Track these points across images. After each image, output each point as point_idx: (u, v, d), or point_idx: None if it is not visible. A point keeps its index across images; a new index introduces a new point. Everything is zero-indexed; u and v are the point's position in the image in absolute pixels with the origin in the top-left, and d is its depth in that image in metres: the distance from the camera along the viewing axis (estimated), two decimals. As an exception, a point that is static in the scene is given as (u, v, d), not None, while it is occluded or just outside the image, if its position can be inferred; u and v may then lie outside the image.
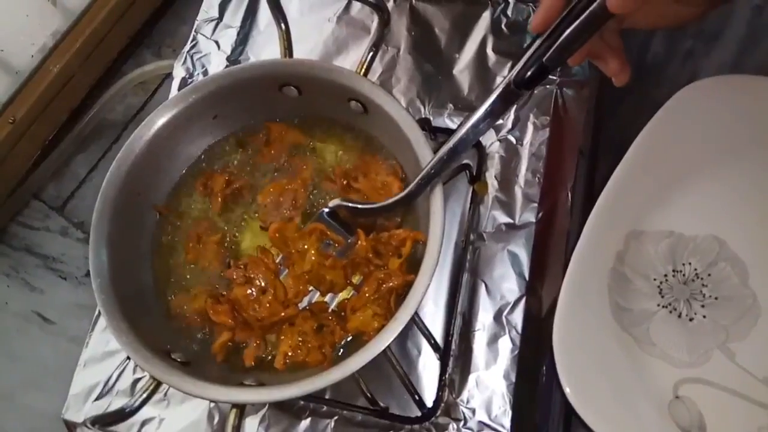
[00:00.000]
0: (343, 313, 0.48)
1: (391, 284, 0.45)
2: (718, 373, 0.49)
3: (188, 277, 0.51)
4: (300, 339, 0.45)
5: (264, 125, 0.54)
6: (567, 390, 0.46)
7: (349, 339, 0.47)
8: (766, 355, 0.49)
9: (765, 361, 0.48)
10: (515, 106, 0.43)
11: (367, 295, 0.46)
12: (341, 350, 0.47)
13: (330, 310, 0.48)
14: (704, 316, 0.51)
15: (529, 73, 0.40)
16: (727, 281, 0.52)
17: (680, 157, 0.53)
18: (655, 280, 0.52)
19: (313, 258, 0.47)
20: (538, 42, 0.40)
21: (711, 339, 0.50)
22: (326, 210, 0.48)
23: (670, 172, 0.53)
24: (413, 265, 0.47)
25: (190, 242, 0.52)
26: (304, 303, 0.49)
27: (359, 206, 0.48)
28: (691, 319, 0.51)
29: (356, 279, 0.48)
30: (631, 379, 0.49)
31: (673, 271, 0.52)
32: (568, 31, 0.38)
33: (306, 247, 0.47)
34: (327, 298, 0.49)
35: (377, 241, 0.47)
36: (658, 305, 0.51)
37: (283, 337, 0.46)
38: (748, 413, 0.47)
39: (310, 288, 0.48)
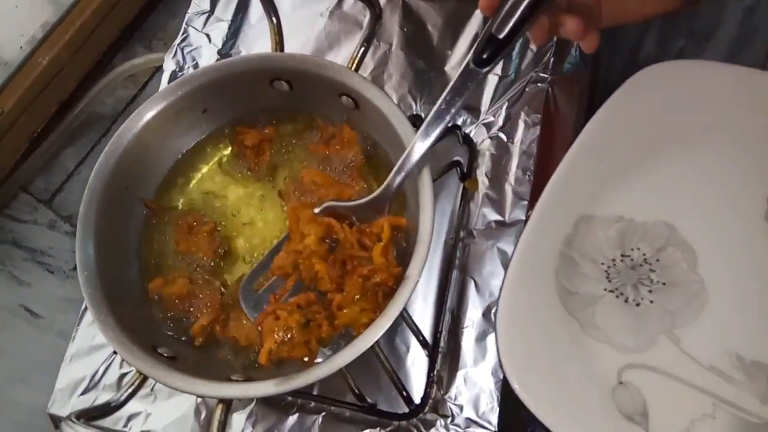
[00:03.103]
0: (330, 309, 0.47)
1: (377, 279, 0.45)
2: (663, 359, 0.48)
3: (176, 269, 0.51)
4: (285, 334, 0.45)
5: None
6: (507, 371, 0.45)
7: (337, 334, 0.47)
8: (712, 342, 0.48)
9: (711, 348, 0.48)
10: (477, 86, 0.43)
11: (352, 291, 0.45)
12: (333, 347, 0.47)
13: (318, 305, 0.48)
14: (651, 302, 0.50)
15: (486, 52, 0.41)
16: (675, 267, 0.51)
17: (632, 142, 0.53)
18: (602, 264, 0.51)
19: (309, 242, 0.46)
20: (491, 20, 0.40)
21: (657, 324, 0.49)
22: (317, 211, 0.47)
23: (622, 157, 0.52)
24: (401, 258, 0.47)
25: (180, 233, 0.51)
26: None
27: (346, 204, 0.48)
28: (637, 304, 0.50)
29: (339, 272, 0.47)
30: (574, 363, 0.48)
31: (622, 255, 0.52)
32: (521, 7, 0.39)
33: (311, 232, 0.47)
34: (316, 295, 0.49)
35: (361, 233, 0.47)
36: (605, 289, 0.51)
37: (267, 333, 0.45)
38: (692, 400, 0.47)
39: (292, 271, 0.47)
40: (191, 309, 0.49)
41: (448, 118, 0.43)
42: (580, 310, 0.50)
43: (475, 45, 0.41)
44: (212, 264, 0.51)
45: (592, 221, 0.52)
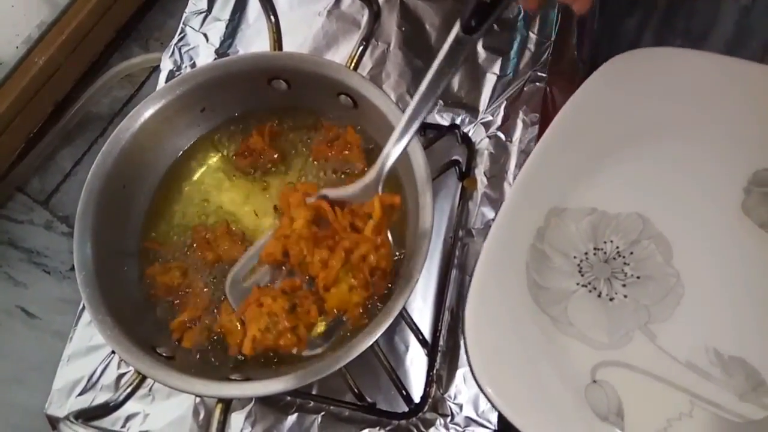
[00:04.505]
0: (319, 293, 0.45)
1: (361, 251, 0.43)
2: (638, 356, 0.46)
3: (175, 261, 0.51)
4: (270, 320, 0.43)
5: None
6: (474, 369, 0.43)
7: (331, 321, 0.45)
8: (689, 337, 0.46)
9: (687, 344, 0.46)
10: (467, 56, 0.42)
11: (335, 265, 0.43)
12: (329, 336, 0.46)
13: (305, 290, 0.46)
14: (625, 296, 0.48)
15: (474, 19, 0.40)
16: (650, 260, 0.49)
17: (604, 132, 0.51)
18: (575, 258, 0.50)
19: (298, 226, 0.44)
20: None
21: (632, 320, 0.48)
22: (311, 200, 0.46)
23: (593, 148, 0.51)
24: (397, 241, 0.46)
25: (202, 248, 0.51)
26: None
27: (340, 191, 0.46)
28: (611, 299, 0.48)
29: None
30: (546, 361, 0.46)
31: (594, 249, 0.50)
32: None
33: (300, 215, 0.45)
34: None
35: (354, 215, 0.45)
36: (578, 284, 0.49)
37: (250, 321, 0.44)
38: (669, 398, 0.45)
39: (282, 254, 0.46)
40: (176, 302, 0.49)
41: (439, 90, 0.42)
42: (552, 306, 0.48)
43: (462, 11, 0.40)
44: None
45: (564, 213, 0.51)
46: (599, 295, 0.49)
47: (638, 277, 0.49)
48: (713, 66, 0.52)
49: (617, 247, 0.50)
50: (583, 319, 0.48)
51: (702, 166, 0.51)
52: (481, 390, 0.43)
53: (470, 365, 0.44)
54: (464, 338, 0.45)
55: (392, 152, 0.44)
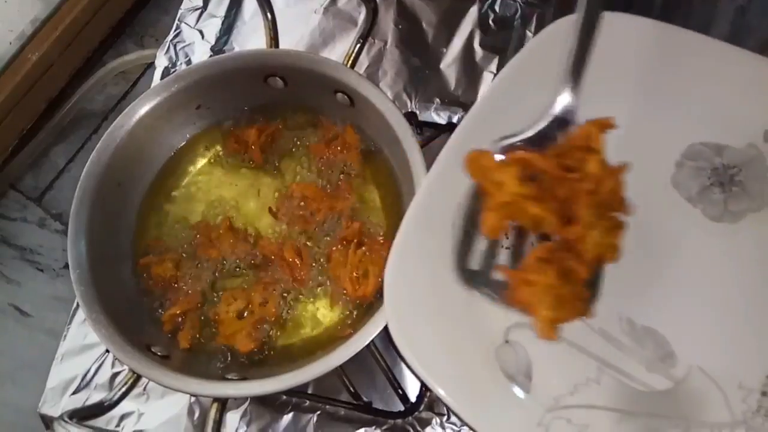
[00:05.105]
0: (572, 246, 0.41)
1: (606, 187, 0.39)
2: None
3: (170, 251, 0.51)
4: (552, 295, 0.37)
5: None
6: (390, 322, 0.43)
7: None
8: (605, 306, 0.44)
9: (602, 311, 0.44)
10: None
11: (585, 213, 0.39)
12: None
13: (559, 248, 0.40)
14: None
15: None
16: None
17: (541, 96, 0.47)
18: None
19: (512, 187, 0.40)
20: None
21: None
22: (498, 157, 0.41)
23: (530, 111, 0.47)
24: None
25: (204, 244, 0.50)
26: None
27: (524, 136, 0.42)
28: None
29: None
30: (460, 318, 0.46)
31: None
32: None
33: (505, 176, 0.40)
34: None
35: (561, 156, 0.40)
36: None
37: (534, 304, 0.38)
38: (578, 363, 0.45)
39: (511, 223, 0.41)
40: (169, 298, 0.49)
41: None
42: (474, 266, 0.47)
43: None
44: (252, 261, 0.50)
45: None
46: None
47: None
48: (657, 34, 0.51)
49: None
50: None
51: (638, 135, 0.49)
52: (397, 347, 0.43)
53: (388, 323, 0.43)
54: (385, 290, 0.44)
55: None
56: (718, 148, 0.51)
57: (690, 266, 0.47)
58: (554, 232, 0.40)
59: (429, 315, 0.45)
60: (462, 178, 0.48)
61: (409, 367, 0.43)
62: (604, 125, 0.40)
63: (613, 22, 0.50)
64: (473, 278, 0.45)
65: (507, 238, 0.45)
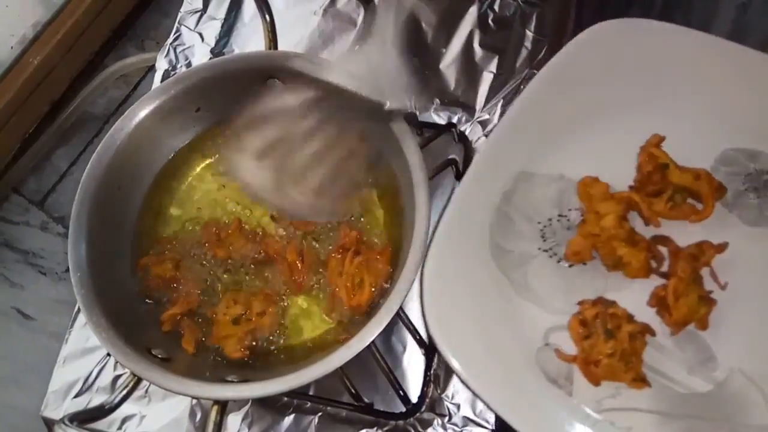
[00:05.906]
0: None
1: (707, 257, 0.41)
2: None
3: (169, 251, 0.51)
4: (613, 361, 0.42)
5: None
6: (430, 324, 0.44)
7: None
8: (644, 308, 0.47)
9: (641, 314, 0.47)
10: None
11: (684, 273, 0.42)
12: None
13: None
14: (585, 263, 0.49)
15: None
16: None
17: (579, 100, 0.52)
18: (539, 223, 0.50)
19: (608, 223, 0.42)
20: None
21: (589, 287, 0.48)
22: (613, 190, 0.44)
23: (566, 114, 0.51)
24: (395, 255, 0.46)
25: (212, 243, 0.50)
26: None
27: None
28: (570, 266, 0.49)
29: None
30: (501, 322, 0.47)
31: (559, 215, 0.51)
32: None
33: (608, 210, 0.43)
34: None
35: (673, 206, 0.45)
36: (539, 249, 0.49)
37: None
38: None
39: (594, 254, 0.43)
40: (168, 295, 0.49)
41: None
42: (512, 269, 0.49)
43: None
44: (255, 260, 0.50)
45: (533, 178, 0.52)
46: (559, 261, 0.49)
47: None
48: (692, 42, 0.52)
49: (581, 216, 0.50)
50: (541, 284, 0.49)
51: (672, 142, 0.51)
52: (437, 347, 0.43)
53: (426, 323, 0.44)
54: (422, 296, 0.45)
55: None
56: (752, 154, 0.51)
57: (729, 270, 0.48)
58: (634, 275, 0.43)
59: (469, 318, 0.46)
60: (500, 181, 0.49)
61: (454, 371, 0.43)
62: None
63: (647, 29, 0.51)
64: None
65: (544, 240, 0.49)
